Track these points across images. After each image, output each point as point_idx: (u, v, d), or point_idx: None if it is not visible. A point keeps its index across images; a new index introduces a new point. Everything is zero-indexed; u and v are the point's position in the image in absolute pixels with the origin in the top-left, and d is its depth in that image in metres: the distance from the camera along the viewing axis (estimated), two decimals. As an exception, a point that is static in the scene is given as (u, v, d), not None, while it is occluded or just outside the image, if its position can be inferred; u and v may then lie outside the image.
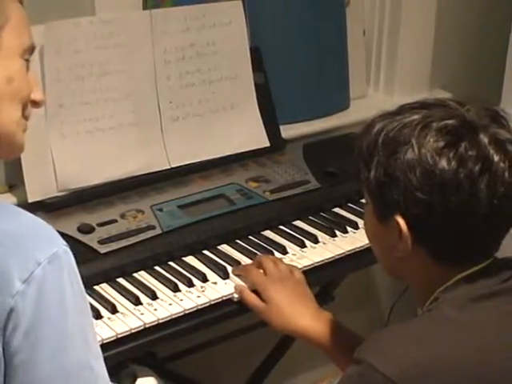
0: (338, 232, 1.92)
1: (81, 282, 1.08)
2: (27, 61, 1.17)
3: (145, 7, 2.08)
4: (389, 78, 2.58)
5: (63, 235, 1.68)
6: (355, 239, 1.88)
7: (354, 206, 2.02)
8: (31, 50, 1.17)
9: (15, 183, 1.90)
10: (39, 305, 1.00)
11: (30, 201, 1.82)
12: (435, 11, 2.52)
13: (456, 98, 1.36)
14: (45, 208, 1.81)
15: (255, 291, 1.66)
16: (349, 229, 1.93)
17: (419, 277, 1.34)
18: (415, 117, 1.27)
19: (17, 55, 1.14)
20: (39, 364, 1.00)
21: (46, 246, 1.03)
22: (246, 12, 2.13)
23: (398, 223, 1.27)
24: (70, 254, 1.06)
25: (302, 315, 1.61)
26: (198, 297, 1.65)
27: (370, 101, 2.55)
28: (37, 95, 1.20)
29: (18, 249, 1.01)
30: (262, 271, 1.69)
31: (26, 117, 1.19)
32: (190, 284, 1.69)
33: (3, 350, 1.00)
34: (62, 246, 1.05)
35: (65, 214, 1.82)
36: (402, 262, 1.32)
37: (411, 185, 1.23)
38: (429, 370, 1.17)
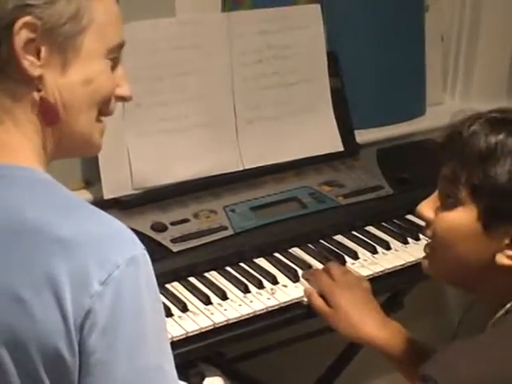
0: (410, 239, 1.90)
1: (156, 285, 1.09)
2: (115, 58, 1.16)
3: (223, 9, 2.09)
4: (466, 84, 2.56)
5: (137, 233, 1.71)
6: (428, 247, 1.86)
7: (427, 214, 2.00)
8: (119, 47, 1.17)
9: (91, 180, 1.92)
10: (116, 306, 1.00)
11: (105, 198, 1.84)
12: (515, 18, 2.49)
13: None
14: (119, 205, 1.84)
15: (323, 296, 1.66)
16: (421, 236, 1.90)
17: (493, 288, 1.32)
18: None
19: (99, 57, 1.13)
20: (115, 364, 1.01)
21: (124, 248, 1.03)
22: (323, 16, 2.12)
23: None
24: (148, 257, 1.06)
25: (369, 323, 1.60)
26: (268, 299, 1.66)
27: (446, 107, 2.53)
28: (123, 91, 1.21)
29: (98, 250, 1.01)
30: (330, 277, 1.69)
31: (108, 113, 1.20)
32: (261, 286, 1.70)
33: (79, 349, 1.01)
34: (141, 250, 1.05)
35: (139, 212, 1.84)
36: (482, 272, 1.30)
37: None
38: None
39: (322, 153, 2.12)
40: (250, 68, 2.02)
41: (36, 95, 1.09)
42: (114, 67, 1.17)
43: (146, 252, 1.06)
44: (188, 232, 1.79)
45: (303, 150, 2.10)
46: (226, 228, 1.82)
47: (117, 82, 1.18)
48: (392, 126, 2.34)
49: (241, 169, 2.02)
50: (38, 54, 1.07)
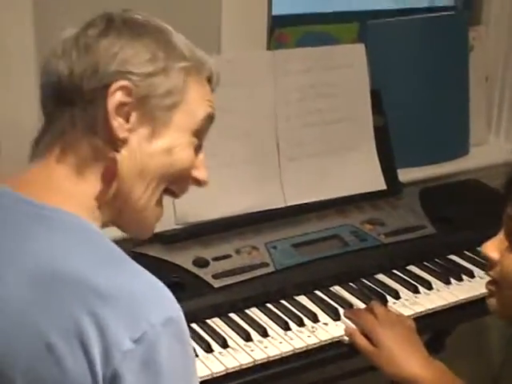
0: (452, 280, 1.89)
1: (191, 346, 1.08)
2: (200, 140, 1.23)
3: (268, 47, 2.11)
4: (511, 124, 2.55)
5: (178, 268, 1.75)
6: (471, 288, 1.85)
7: (471, 255, 1.99)
8: (206, 127, 1.23)
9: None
10: (147, 365, 0.99)
11: (148, 232, 1.86)
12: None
13: None
14: (162, 240, 1.84)
15: (366, 335, 1.65)
16: (464, 277, 1.90)
17: None
18: None
19: (186, 132, 1.18)
20: None
21: (161, 308, 1.02)
22: (367, 54, 2.13)
23: None
24: (183, 319, 1.05)
25: (413, 362, 1.58)
26: (309, 337, 1.65)
27: (490, 147, 2.52)
28: (200, 174, 1.25)
29: (134, 307, 1.00)
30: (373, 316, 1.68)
31: (177, 191, 1.25)
32: (301, 323, 1.69)
33: None
34: (178, 311, 1.04)
35: (181, 246, 1.85)
36: None
37: None
38: None
39: (365, 191, 2.12)
40: (294, 106, 2.03)
41: (113, 155, 1.13)
42: (197, 150, 1.23)
43: (181, 313, 1.05)
44: (229, 268, 1.80)
45: (345, 187, 2.10)
46: (267, 265, 1.83)
47: (196, 163, 1.23)
48: (435, 166, 2.34)
49: (283, 205, 2.03)
50: (127, 118, 1.12)
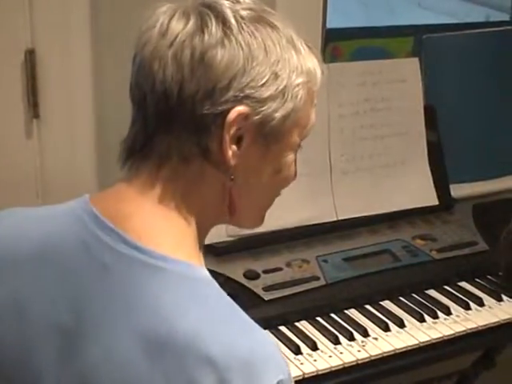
0: (504, 297, 1.87)
1: None
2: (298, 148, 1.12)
3: (322, 60, 2.11)
4: None
5: (229, 280, 1.75)
6: (523, 305, 1.84)
7: (523, 272, 1.97)
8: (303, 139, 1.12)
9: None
10: None
11: (199, 244, 1.87)
12: None
13: None
14: (214, 252, 1.86)
15: None
16: (519, 295, 1.89)
17: None
18: None
19: (292, 150, 1.09)
20: None
21: (274, 371, 0.96)
22: (422, 69, 2.13)
23: None
24: (291, 376, 1.00)
25: None
26: (359, 351, 1.65)
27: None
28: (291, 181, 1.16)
29: (245, 373, 0.94)
30: None
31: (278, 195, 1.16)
32: (351, 337, 1.69)
33: None
34: (288, 373, 0.98)
35: (232, 259, 1.86)
36: None
37: None
38: None
39: (417, 206, 2.11)
40: (347, 119, 2.04)
41: (228, 184, 1.04)
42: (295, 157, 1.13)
43: (289, 371, 1.00)
44: (280, 281, 1.80)
45: (397, 202, 2.09)
46: (318, 278, 1.83)
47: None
48: (488, 182, 2.32)
49: (335, 219, 2.03)
50: (239, 142, 1.02)
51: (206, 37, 0.99)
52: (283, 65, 1.02)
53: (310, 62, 1.07)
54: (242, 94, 0.99)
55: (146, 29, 1.03)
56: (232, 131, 1.00)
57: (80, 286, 1.00)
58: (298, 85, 1.03)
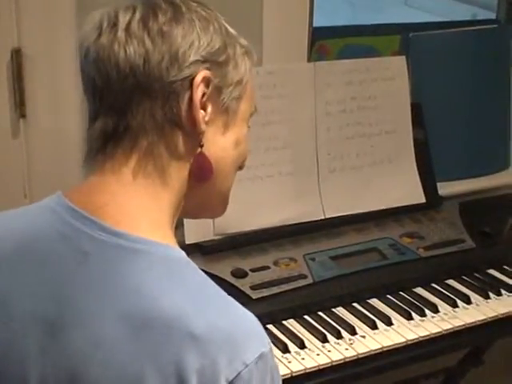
0: (491, 294, 1.88)
1: (279, 373, 1.05)
2: (248, 127, 1.18)
3: (309, 60, 2.12)
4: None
5: (217, 278, 1.75)
6: (510, 303, 1.84)
7: (510, 269, 1.98)
8: (252, 115, 1.19)
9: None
10: None
11: (187, 242, 1.86)
12: None
13: None
14: (201, 251, 1.86)
15: None
16: (503, 291, 1.89)
17: None
18: None
19: (246, 120, 1.15)
20: None
21: (254, 345, 0.98)
22: (408, 67, 2.13)
23: None
24: (272, 349, 1.02)
25: None
26: (346, 349, 1.65)
27: (531, 161, 2.50)
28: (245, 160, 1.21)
29: (230, 348, 0.96)
30: None
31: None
32: (339, 336, 1.69)
33: None
34: (267, 345, 1.00)
35: (220, 257, 1.86)
36: None
37: None
38: None
39: (404, 204, 2.12)
40: (334, 118, 2.04)
41: (198, 150, 1.08)
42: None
43: (270, 344, 1.02)
44: (268, 279, 1.80)
45: (385, 200, 2.09)
46: (305, 276, 1.83)
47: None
48: (475, 179, 2.33)
49: (322, 218, 2.03)
50: (205, 110, 1.07)
51: (160, 16, 1.07)
52: (229, 36, 1.11)
53: (243, 40, 1.15)
54: (202, 58, 1.06)
55: (94, 26, 1.08)
56: (199, 93, 1.06)
57: (60, 275, 1.02)
58: (243, 54, 1.13)
